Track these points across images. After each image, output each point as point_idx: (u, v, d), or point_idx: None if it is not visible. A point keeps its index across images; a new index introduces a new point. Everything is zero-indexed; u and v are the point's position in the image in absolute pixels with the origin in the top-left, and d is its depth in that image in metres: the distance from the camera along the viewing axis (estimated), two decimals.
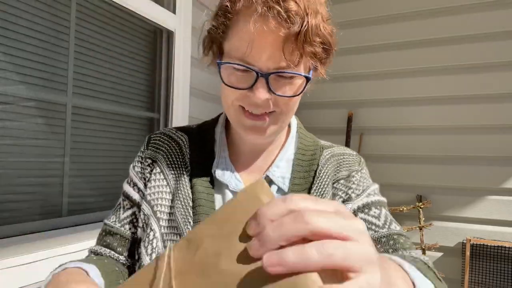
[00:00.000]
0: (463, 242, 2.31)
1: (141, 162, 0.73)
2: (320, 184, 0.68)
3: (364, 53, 2.63)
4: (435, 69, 2.44)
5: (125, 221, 0.73)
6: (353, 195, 0.68)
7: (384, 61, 2.57)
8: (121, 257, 0.72)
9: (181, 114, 1.99)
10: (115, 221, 0.73)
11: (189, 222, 0.64)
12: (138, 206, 0.71)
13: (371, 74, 2.61)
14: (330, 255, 0.26)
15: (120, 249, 0.72)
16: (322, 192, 0.67)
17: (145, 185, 0.71)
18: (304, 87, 0.62)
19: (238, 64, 0.60)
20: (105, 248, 0.72)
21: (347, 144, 2.61)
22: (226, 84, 0.62)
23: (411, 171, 2.48)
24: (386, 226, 0.67)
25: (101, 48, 1.62)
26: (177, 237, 0.64)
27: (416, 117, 2.49)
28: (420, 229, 2.40)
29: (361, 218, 0.67)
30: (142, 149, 0.75)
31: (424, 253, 2.38)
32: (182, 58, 1.98)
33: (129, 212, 0.73)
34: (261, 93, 0.59)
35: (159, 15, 1.86)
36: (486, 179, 2.31)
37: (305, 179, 0.69)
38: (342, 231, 0.27)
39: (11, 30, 1.27)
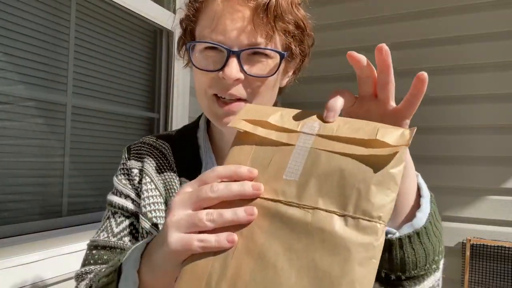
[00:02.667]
0: (463, 242, 2.31)
1: (126, 174, 0.69)
2: None
3: (364, 53, 2.62)
4: (435, 69, 2.44)
5: (122, 233, 0.66)
6: None
7: None
8: None
9: (181, 114, 1.99)
10: (108, 236, 0.65)
11: None
12: (136, 216, 0.66)
13: None
14: None
15: None
16: None
17: (138, 196, 0.66)
18: (279, 65, 0.58)
19: (207, 42, 0.56)
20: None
21: None
22: (197, 68, 0.58)
23: None
24: None
25: (101, 48, 1.62)
26: None
27: (416, 117, 2.48)
28: None
29: None
30: (123, 161, 0.70)
31: None
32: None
33: (126, 223, 0.66)
34: (232, 71, 0.55)
35: (159, 15, 1.86)
36: (486, 179, 2.31)
37: None
38: None
39: (11, 30, 1.27)
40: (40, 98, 1.38)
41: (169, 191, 0.64)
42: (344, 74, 2.68)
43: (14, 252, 1.18)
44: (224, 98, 0.58)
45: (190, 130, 0.72)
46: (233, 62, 0.55)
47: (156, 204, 0.64)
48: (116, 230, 0.65)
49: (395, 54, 2.59)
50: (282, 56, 0.58)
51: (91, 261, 0.63)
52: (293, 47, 0.60)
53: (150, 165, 0.66)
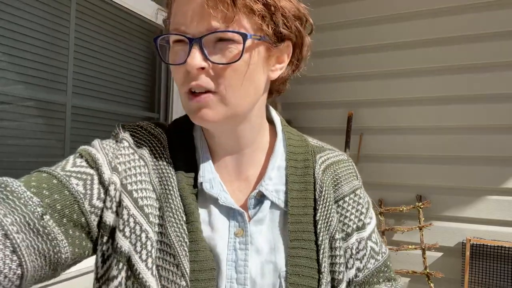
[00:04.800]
0: (463, 242, 2.31)
1: (115, 142, 0.60)
2: (324, 206, 0.61)
3: (364, 53, 2.63)
4: (435, 69, 2.44)
5: (74, 174, 0.52)
6: (365, 220, 0.66)
7: (384, 61, 2.57)
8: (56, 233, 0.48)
9: (181, 114, 1.97)
10: (55, 169, 0.53)
11: (185, 242, 0.54)
12: (102, 181, 0.54)
13: (371, 74, 2.61)
14: None
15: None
16: (328, 217, 0.61)
17: (118, 165, 0.56)
18: (243, 49, 0.52)
19: (169, 34, 0.55)
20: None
21: (347, 144, 2.61)
22: (167, 63, 0.56)
23: (411, 171, 2.48)
24: (381, 252, 0.67)
25: (101, 48, 1.62)
26: (170, 257, 0.53)
27: (416, 117, 2.49)
28: (420, 229, 2.40)
29: (371, 248, 0.65)
30: (114, 132, 0.62)
31: (424, 253, 2.38)
32: None
33: (86, 170, 0.54)
34: (193, 60, 0.51)
35: (159, 15, 1.86)
36: (486, 179, 2.31)
37: (302, 192, 0.62)
38: None
39: (11, 30, 1.27)
40: (40, 98, 1.38)
41: (166, 195, 0.56)
42: (344, 74, 2.68)
43: None
44: (195, 91, 0.54)
45: (185, 126, 0.66)
46: (195, 51, 0.52)
47: (146, 191, 0.55)
48: (68, 167, 0.53)
49: (398, 54, 2.59)
50: (244, 37, 0.52)
51: (22, 180, 0.50)
52: (265, 28, 0.54)
53: (147, 152, 0.59)
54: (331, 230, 0.61)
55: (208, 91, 0.54)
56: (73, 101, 1.49)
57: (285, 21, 0.56)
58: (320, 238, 0.59)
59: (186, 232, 0.55)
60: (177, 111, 1.97)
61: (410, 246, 2.41)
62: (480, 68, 2.34)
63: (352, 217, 0.64)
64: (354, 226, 0.63)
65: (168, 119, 1.96)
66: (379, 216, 2.48)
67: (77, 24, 1.50)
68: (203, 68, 0.52)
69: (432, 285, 2.34)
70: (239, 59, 0.52)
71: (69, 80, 1.47)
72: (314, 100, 2.77)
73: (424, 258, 2.38)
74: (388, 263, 0.68)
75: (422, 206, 2.40)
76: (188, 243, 0.54)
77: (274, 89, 0.65)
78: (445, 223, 2.41)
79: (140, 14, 1.75)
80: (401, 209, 2.43)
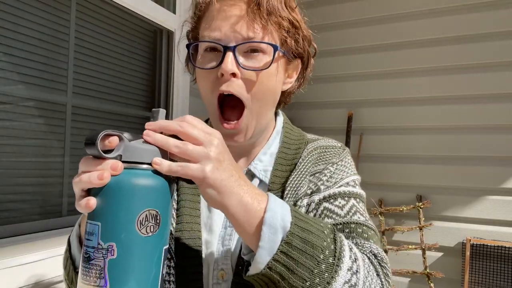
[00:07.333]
0: (463, 242, 2.31)
1: None
2: (297, 176, 0.66)
3: (364, 53, 2.63)
4: (435, 69, 2.44)
5: None
6: (322, 187, 0.66)
7: (384, 61, 2.57)
8: None
9: (181, 114, 1.99)
10: None
11: (172, 227, 0.63)
12: None
13: (371, 74, 2.61)
14: (183, 146, 0.47)
15: None
16: (297, 184, 0.65)
17: None
18: (273, 58, 0.59)
19: (203, 41, 0.60)
20: None
21: (347, 144, 2.61)
22: (198, 67, 0.62)
23: (411, 171, 2.48)
24: (348, 216, 0.64)
25: (101, 48, 1.62)
26: None
27: (416, 117, 2.49)
28: (420, 229, 2.40)
29: (324, 207, 0.64)
30: None
31: (424, 253, 2.38)
32: (182, 58, 1.98)
33: None
34: (228, 65, 0.57)
35: (159, 15, 1.86)
36: (486, 179, 2.31)
37: (286, 172, 0.68)
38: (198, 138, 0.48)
39: (11, 30, 1.27)
40: (40, 98, 1.37)
41: None
42: (344, 74, 2.68)
43: (14, 252, 1.18)
44: (228, 119, 0.61)
45: None
46: (229, 57, 0.57)
47: None
48: None
49: (397, 54, 2.59)
50: (275, 49, 0.59)
51: None
52: (289, 41, 0.62)
53: None
54: (299, 194, 0.65)
55: (238, 114, 0.61)
56: (73, 101, 1.49)
57: (302, 39, 0.64)
58: (286, 201, 0.64)
59: (174, 217, 0.65)
60: (177, 111, 1.97)
61: (410, 246, 2.41)
62: (480, 68, 2.34)
63: (311, 184, 0.67)
64: (309, 191, 0.67)
65: (168, 119, 1.96)
66: (379, 216, 2.48)
67: (77, 24, 1.50)
68: (234, 75, 0.58)
69: (432, 285, 2.34)
70: (269, 66, 0.59)
71: (69, 80, 1.47)
72: (314, 100, 2.77)
73: (424, 258, 2.38)
74: (353, 226, 0.62)
75: (422, 206, 2.40)
76: (175, 225, 0.65)
77: (282, 100, 0.74)
78: (445, 223, 2.41)
79: (140, 14, 1.75)
80: (401, 209, 2.43)
